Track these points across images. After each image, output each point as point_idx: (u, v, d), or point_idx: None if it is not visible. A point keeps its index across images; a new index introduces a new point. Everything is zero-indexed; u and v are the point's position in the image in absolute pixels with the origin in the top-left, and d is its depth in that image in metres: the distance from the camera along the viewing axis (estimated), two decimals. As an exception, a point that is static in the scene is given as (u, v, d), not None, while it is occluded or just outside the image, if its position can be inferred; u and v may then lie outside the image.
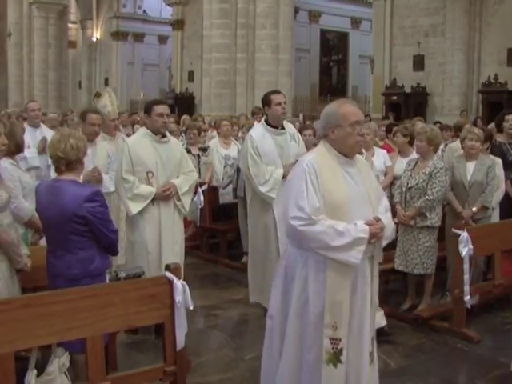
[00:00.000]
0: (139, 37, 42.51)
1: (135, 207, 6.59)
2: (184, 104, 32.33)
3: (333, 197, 4.16)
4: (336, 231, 4.07)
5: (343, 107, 4.30)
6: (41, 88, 34.23)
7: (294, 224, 4.11)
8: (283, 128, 7.50)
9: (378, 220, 4.22)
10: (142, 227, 6.65)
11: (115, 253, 5.13)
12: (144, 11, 42.85)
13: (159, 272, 5.85)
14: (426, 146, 7.45)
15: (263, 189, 7.28)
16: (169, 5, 37.39)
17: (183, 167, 6.89)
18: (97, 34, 44.28)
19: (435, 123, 19.63)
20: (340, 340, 4.18)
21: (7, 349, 3.99)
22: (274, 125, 7.44)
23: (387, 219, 4.38)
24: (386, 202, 4.57)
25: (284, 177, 7.10)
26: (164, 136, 6.79)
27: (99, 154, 7.38)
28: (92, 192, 4.75)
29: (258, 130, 7.56)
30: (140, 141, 6.74)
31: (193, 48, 34.49)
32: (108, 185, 7.29)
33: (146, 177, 6.62)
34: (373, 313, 4.44)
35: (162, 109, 6.74)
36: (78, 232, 4.70)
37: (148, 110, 6.74)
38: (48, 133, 9.47)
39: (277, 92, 7.66)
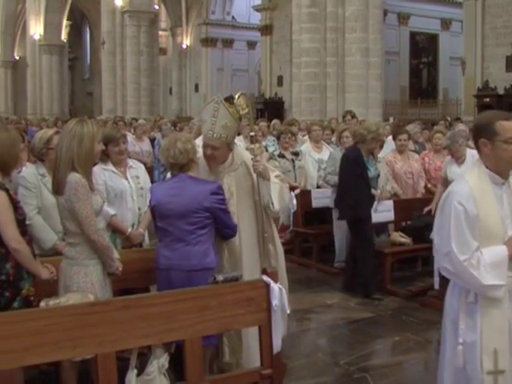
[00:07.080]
0: (228, 42, 42.93)
1: None
2: (273, 109, 32.45)
3: None
4: None
5: None
6: (133, 95, 34.80)
7: None
8: None
9: None
10: None
11: (234, 233, 5.34)
12: (233, 17, 43.21)
13: None
14: None
15: None
16: (257, 10, 37.70)
17: None
18: (186, 41, 45.00)
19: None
20: None
21: (108, 348, 4.07)
22: None
23: None
24: None
25: None
26: None
27: None
28: (217, 186, 5.13)
29: None
30: None
31: (281, 53, 34.64)
32: None
33: None
34: None
35: None
36: (200, 224, 5.01)
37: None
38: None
39: None
